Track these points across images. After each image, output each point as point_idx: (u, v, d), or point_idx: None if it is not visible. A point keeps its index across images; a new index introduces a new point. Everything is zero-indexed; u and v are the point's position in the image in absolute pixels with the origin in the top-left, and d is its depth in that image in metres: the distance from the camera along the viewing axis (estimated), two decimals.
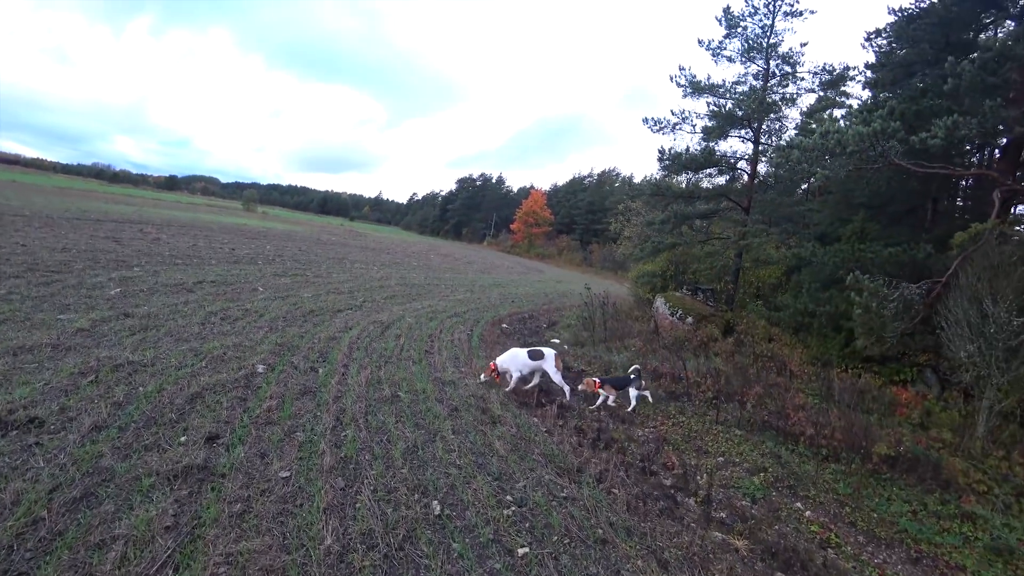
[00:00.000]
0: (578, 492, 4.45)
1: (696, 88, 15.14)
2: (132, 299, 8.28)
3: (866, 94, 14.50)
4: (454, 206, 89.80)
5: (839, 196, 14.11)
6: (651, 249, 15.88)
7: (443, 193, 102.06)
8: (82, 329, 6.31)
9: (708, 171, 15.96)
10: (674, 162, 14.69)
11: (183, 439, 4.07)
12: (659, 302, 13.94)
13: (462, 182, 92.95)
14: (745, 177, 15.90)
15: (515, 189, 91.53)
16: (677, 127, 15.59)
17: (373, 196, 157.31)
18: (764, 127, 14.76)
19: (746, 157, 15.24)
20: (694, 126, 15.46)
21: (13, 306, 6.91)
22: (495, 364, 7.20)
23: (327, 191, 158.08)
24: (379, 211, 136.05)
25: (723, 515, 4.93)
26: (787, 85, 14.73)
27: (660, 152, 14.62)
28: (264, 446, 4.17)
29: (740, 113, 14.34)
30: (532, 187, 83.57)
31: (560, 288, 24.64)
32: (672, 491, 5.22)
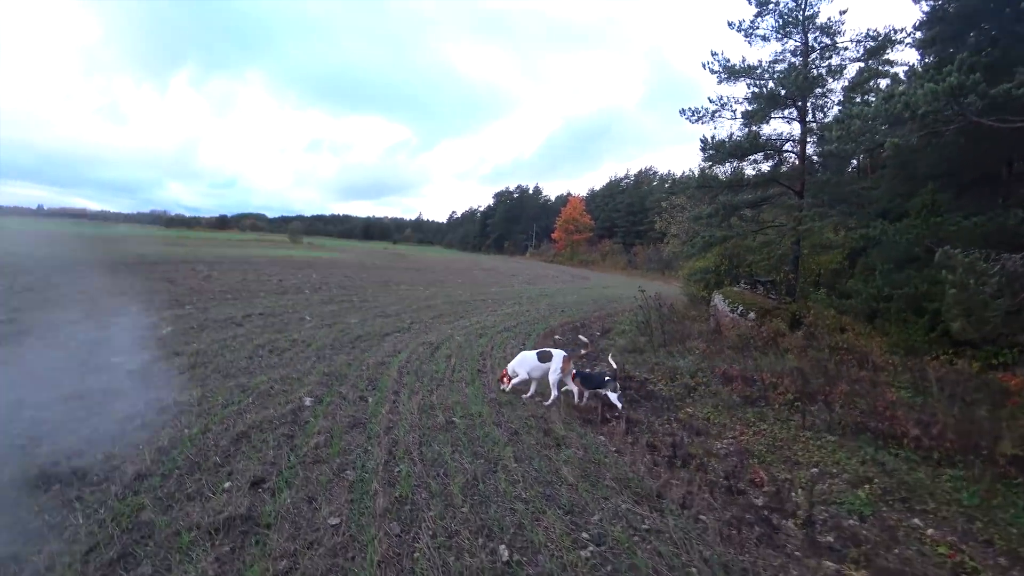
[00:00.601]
0: (662, 522, 3.91)
1: (731, 72, 14.35)
2: (183, 337, 8.28)
3: (914, 58, 13.35)
4: (493, 220, 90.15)
5: (895, 169, 12.99)
6: (701, 245, 15.07)
7: (482, 208, 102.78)
8: (133, 371, 6.24)
9: (753, 157, 15.11)
10: (718, 151, 13.92)
11: (227, 485, 3.78)
12: (717, 299, 13.13)
13: (499, 196, 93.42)
14: (793, 160, 14.98)
15: (552, 198, 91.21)
16: (716, 115, 14.80)
17: (413, 218, 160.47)
18: (809, 104, 13.81)
19: (793, 138, 14.31)
20: (734, 112, 14.67)
21: (71, 352, 6.96)
22: (506, 371, 6.93)
23: (369, 217, 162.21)
24: (420, 232, 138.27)
25: (830, 539, 4.26)
26: (830, 57, 13.73)
27: (702, 142, 13.88)
28: (312, 489, 3.83)
29: (783, 92, 13.45)
30: (569, 194, 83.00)
31: (608, 293, 23.94)
32: (766, 513, 4.58)
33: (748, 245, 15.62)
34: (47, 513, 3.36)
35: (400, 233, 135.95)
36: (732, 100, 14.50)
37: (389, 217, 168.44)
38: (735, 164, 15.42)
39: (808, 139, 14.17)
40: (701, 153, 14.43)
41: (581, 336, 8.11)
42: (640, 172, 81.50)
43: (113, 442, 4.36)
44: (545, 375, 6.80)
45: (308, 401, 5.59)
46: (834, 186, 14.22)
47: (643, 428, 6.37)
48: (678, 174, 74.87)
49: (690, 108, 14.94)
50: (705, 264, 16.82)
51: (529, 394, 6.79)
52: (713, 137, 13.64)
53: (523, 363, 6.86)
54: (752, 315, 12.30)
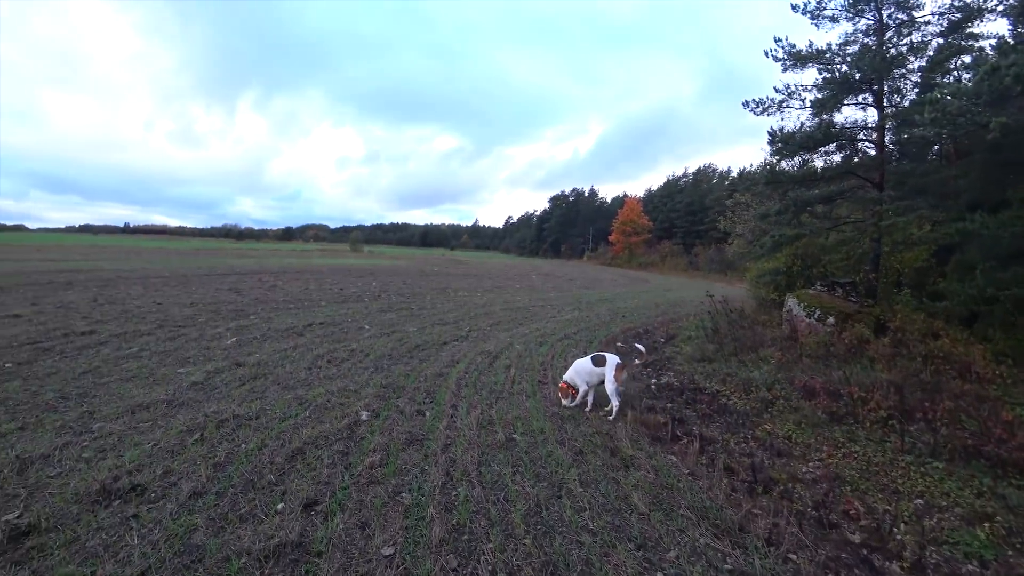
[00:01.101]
0: (746, 562, 3.45)
1: (798, 58, 13.37)
2: (245, 347, 8.42)
3: (1003, 29, 11.94)
4: (549, 224, 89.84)
5: (986, 156, 11.67)
6: (771, 245, 14.10)
7: (537, 213, 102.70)
8: (196, 383, 6.33)
9: (824, 149, 14.06)
10: (787, 144, 13.02)
11: (279, 506, 3.64)
12: (791, 303, 12.23)
13: (555, 199, 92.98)
14: (867, 149, 13.79)
15: (608, 200, 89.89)
16: (784, 105, 13.88)
17: (470, 224, 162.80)
18: (886, 87, 12.65)
19: (868, 126, 13.17)
20: (803, 100, 13.71)
21: (141, 363, 7.18)
22: (564, 382, 6.48)
23: (427, 224, 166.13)
24: (477, 238, 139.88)
25: None
26: (909, 34, 12.52)
27: (771, 134, 13.04)
28: (366, 513, 3.63)
29: (858, 76, 12.40)
30: (626, 196, 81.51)
31: (669, 297, 23.07)
32: (866, 552, 4.00)
33: (822, 244, 14.55)
34: (104, 531, 3.31)
35: (457, 239, 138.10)
36: (800, 88, 13.59)
37: (446, 224, 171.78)
38: (805, 157, 14.49)
39: (886, 126, 13.08)
40: (769, 147, 13.60)
41: (637, 344, 7.62)
42: (699, 170, 79.18)
43: (172, 456, 4.34)
44: (601, 382, 6.38)
45: (364, 415, 5.45)
46: (919, 176, 12.98)
47: (718, 448, 5.85)
48: (736, 171, 72.52)
49: (754, 99, 14.09)
50: (774, 265, 15.80)
51: (588, 407, 6.42)
52: (782, 129, 12.80)
53: (579, 371, 6.46)
54: (831, 320, 11.38)
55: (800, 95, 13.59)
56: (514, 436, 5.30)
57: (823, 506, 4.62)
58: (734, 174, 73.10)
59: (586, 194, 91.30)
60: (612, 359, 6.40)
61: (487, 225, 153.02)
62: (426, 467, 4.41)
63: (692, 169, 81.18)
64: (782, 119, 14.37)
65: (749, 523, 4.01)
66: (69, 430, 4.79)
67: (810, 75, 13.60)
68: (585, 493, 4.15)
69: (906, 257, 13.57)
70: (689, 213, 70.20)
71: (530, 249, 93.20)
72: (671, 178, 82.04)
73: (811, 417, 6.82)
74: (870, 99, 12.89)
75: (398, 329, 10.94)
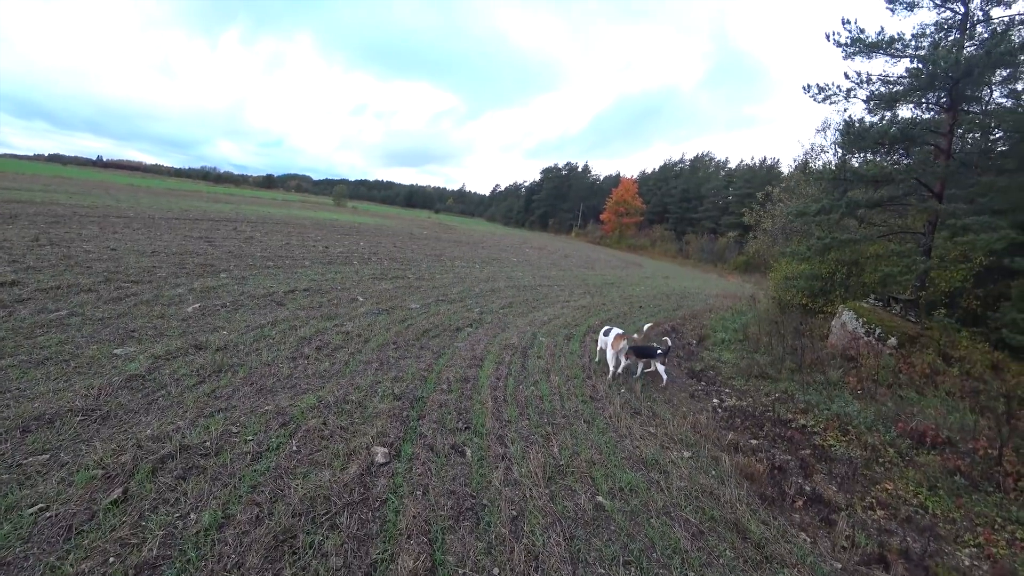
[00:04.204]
0: None
1: (865, 46, 11.72)
2: (210, 319, 6.54)
3: None
4: (539, 196, 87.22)
5: None
6: (820, 247, 12.59)
7: (527, 184, 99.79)
8: (135, 376, 4.47)
9: (884, 149, 12.54)
10: (861, 138, 11.40)
11: None
12: (846, 316, 10.73)
13: (547, 171, 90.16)
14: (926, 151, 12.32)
15: (601, 177, 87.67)
16: (851, 94, 12.25)
17: (456, 188, 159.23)
18: (963, 89, 11.07)
19: (937, 128, 11.62)
20: (873, 91, 12.07)
21: (65, 335, 5.28)
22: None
23: (412, 185, 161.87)
24: (463, 203, 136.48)
25: None
26: (1007, 29, 10.88)
27: (846, 124, 11.42)
28: None
29: (948, 71, 10.75)
30: (620, 175, 79.42)
31: (674, 287, 21.59)
32: None
33: (875, 252, 13.07)
34: None
35: (443, 203, 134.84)
36: (875, 78, 11.95)
37: (432, 186, 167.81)
38: (866, 155, 12.97)
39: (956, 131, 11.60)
40: (840, 138, 11.98)
41: (666, 339, 8.42)
42: (696, 157, 77.37)
43: (69, 538, 2.55)
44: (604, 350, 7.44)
45: (380, 455, 3.69)
46: (1008, 190, 11.46)
47: (846, 518, 4.33)
48: (735, 162, 70.95)
49: (817, 84, 12.42)
50: (811, 269, 14.28)
51: (611, 375, 7.03)
52: (861, 120, 11.14)
53: (600, 340, 7.75)
54: (892, 340, 9.93)
55: (873, 84, 11.98)
56: (600, 499, 3.65)
57: None
58: (732, 165, 71.75)
59: (579, 169, 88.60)
60: (614, 331, 7.31)
61: (473, 191, 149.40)
62: (496, 572, 2.71)
63: (690, 155, 79.48)
64: (845, 109, 12.80)
65: None
66: None
67: (876, 65, 11.91)
68: None
69: (953, 274, 12.15)
70: (684, 200, 68.66)
71: (517, 220, 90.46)
72: (668, 162, 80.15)
73: (939, 478, 5.33)
74: (944, 100, 11.36)
75: (398, 305, 9.13)
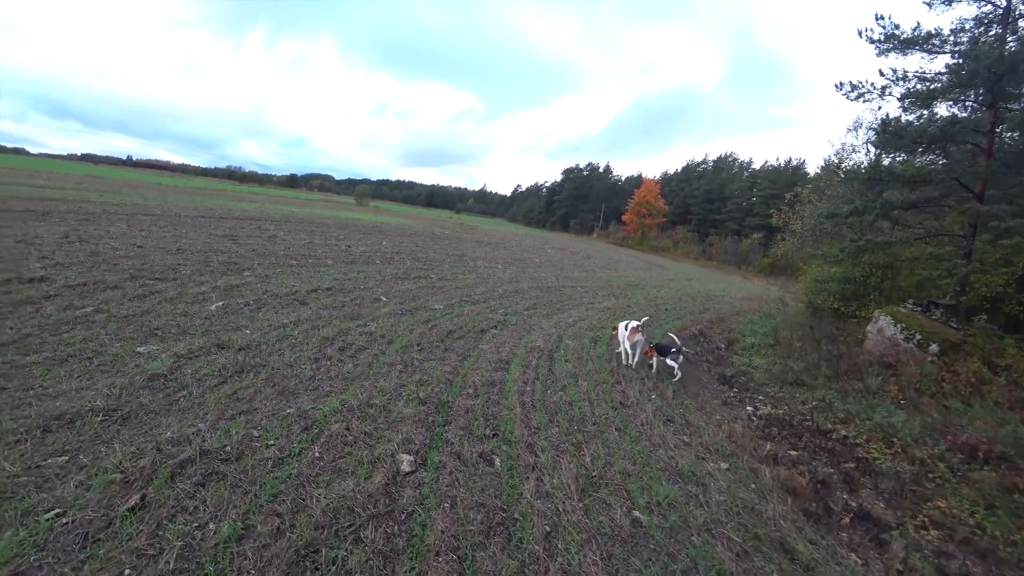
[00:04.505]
0: None
1: (900, 43, 11.23)
2: (233, 317, 6.48)
3: None
4: (560, 197, 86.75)
5: None
6: (854, 249, 12.13)
7: (548, 184, 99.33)
8: (157, 375, 4.39)
9: (920, 149, 12.03)
10: (898, 137, 10.93)
11: None
12: (884, 321, 10.28)
13: (568, 172, 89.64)
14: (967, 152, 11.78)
15: (623, 178, 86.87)
16: (886, 91, 11.76)
17: (477, 189, 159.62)
18: (1005, 87, 10.54)
19: (978, 127, 11.10)
20: (909, 88, 11.59)
21: (90, 332, 5.24)
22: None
23: (434, 185, 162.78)
24: (483, 203, 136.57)
25: None
26: None
27: (884, 122, 10.95)
28: None
29: (983, 67, 10.25)
30: (642, 176, 78.56)
31: (699, 289, 21.14)
32: None
33: (911, 255, 12.56)
34: None
35: (464, 203, 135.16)
36: (912, 75, 11.46)
37: (453, 186, 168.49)
38: (900, 155, 12.49)
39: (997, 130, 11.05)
40: (876, 137, 11.52)
41: (673, 336, 8.52)
42: (719, 158, 76.21)
43: (84, 546, 2.44)
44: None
45: (406, 463, 3.52)
46: None
47: (898, 538, 4.04)
48: (759, 163, 69.73)
49: (850, 82, 11.93)
50: (843, 272, 13.78)
51: (623, 361, 7.63)
52: (898, 118, 10.68)
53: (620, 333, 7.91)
54: (933, 347, 9.47)
55: (910, 82, 11.49)
56: (636, 514, 3.43)
57: None
58: (756, 166, 70.51)
59: (601, 170, 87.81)
60: (630, 323, 7.72)
61: (494, 191, 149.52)
62: None
63: (713, 156, 78.23)
64: (880, 107, 12.32)
65: None
66: None
67: (912, 62, 11.41)
68: None
69: (993, 279, 11.59)
70: (707, 201, 67.66)
71: (537, 220, 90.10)
72: (691, 163, 79.05)
73: (996, 496, 4.98)
74: (985, 96, 10.84)
75: (421, 305, 9.00)
